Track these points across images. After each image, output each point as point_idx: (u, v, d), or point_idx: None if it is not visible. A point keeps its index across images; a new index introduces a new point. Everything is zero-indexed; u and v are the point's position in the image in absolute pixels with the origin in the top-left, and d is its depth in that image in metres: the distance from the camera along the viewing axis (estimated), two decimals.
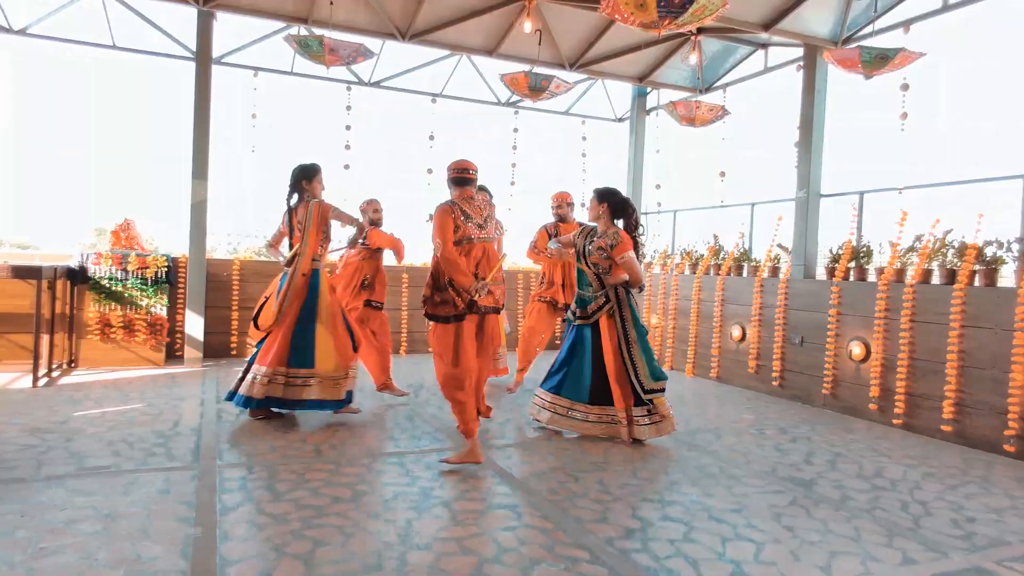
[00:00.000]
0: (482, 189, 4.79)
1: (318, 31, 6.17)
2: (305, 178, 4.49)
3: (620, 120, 9.28)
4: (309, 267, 4.42)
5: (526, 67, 6.86)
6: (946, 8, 5.44)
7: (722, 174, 7.63)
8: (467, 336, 3.62)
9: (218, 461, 3.52)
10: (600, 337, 4.34)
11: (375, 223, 5.34)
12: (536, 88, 5.64)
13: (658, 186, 8.45)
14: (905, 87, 5.51)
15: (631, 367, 4.27)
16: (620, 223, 4.44)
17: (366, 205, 5.34)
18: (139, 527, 2.61)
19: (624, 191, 9.11)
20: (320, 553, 2.44)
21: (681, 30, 4.06)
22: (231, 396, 4.34)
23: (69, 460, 3.42)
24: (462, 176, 3.78)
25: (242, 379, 4.34)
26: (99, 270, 6.29)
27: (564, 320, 4.97)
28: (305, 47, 5.00)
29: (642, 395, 4.25)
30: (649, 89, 8.71)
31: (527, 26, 5.46)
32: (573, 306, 4.56)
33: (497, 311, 3.86)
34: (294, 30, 6.69)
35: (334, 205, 4.55)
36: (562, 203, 5.75)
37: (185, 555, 2.38)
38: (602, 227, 4.37)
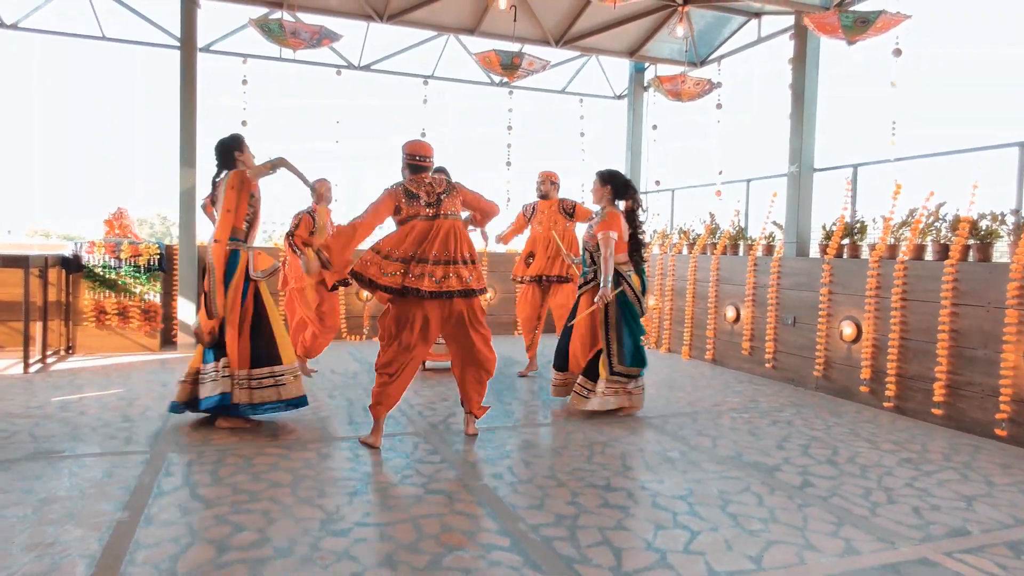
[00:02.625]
0: (439, 170, 4.72)
1: (286, 15, 6.11)
2: (237, 148, 3.98)
3: (619, 97, 9.05)
4: (225, 248, 3.84)
5: (505, 45, 6.71)
6: None
7: (720, 172, 7.40)
8: (414, 319, 3.56)
9: (173, 446, 3.55)
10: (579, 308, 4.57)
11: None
12: (508, 66, 5.50)
13: (658, 182, 8.24)
14: (897, 52, 5.21)
15: (607, 346, 4.35)
16: (622, 205, 4.47)
17: (319, 183, 5.38)
18: (67, 511, 2.65)
19: (624, 170, 8.93)
20: (236, 539, 2.44)
21: None
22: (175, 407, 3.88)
23: (28, 444, 3.49)
24: (416, 164, 3.71)
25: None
26: (93, 258, 6.42)
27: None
28: (267, 32, 4.95)
29: (610, 372, 4.36)
30: (647, 64, 8.46)
31: (501, 2, 5.32)
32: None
33: (467, 294, 3.62)
34: (277, 15, 6.66)
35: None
36: (545, 180, 5.65)
37: (102, 540, 2.40)
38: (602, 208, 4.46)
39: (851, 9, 4.61)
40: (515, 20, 6.04)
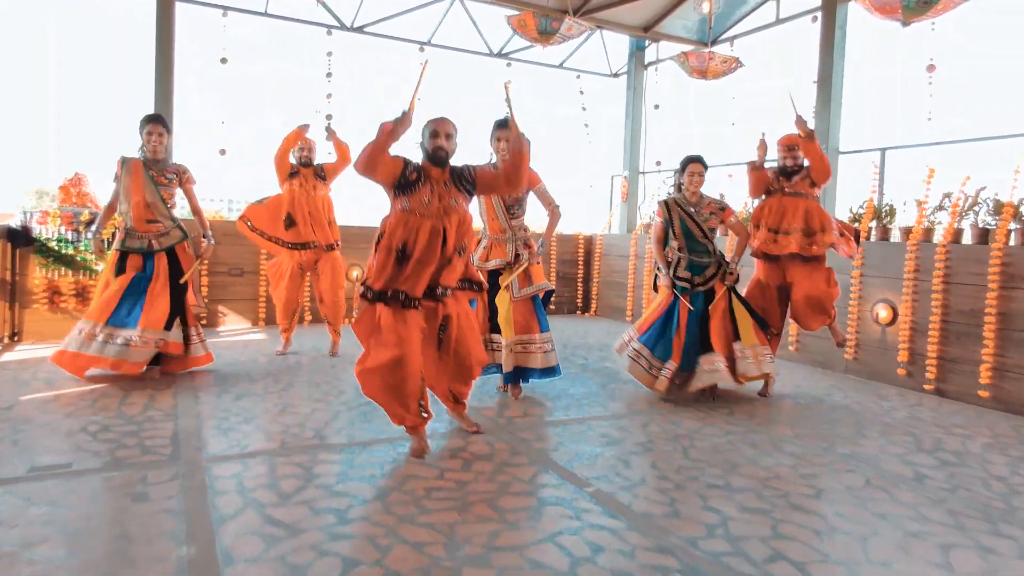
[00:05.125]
0: None
1: None
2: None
3: (615, 75, 8.73)
4: None
5: (526, 10, 6.22)
6: None
7: (730, 176, 7.21)
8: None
9: (203, 453, 2.96)
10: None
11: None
12: (546, 32, 5.04)
13: (658, 163, 7.99)
14: (931, 68, 5.10)
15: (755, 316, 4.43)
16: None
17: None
18: (116, 549, 2.07)
19: (621, 149, 8.63)
20: (355, 573, 1.95)
21: None
22: None
23: (19, 458, 2.81)
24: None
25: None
26: (45, 231, 5.51)
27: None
28: None
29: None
30: (648, 42, 8.16)
31: None
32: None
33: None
34: None
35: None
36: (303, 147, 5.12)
37: None
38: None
39: None
40: None
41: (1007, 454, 3.45)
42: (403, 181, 3.00)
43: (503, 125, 3.74)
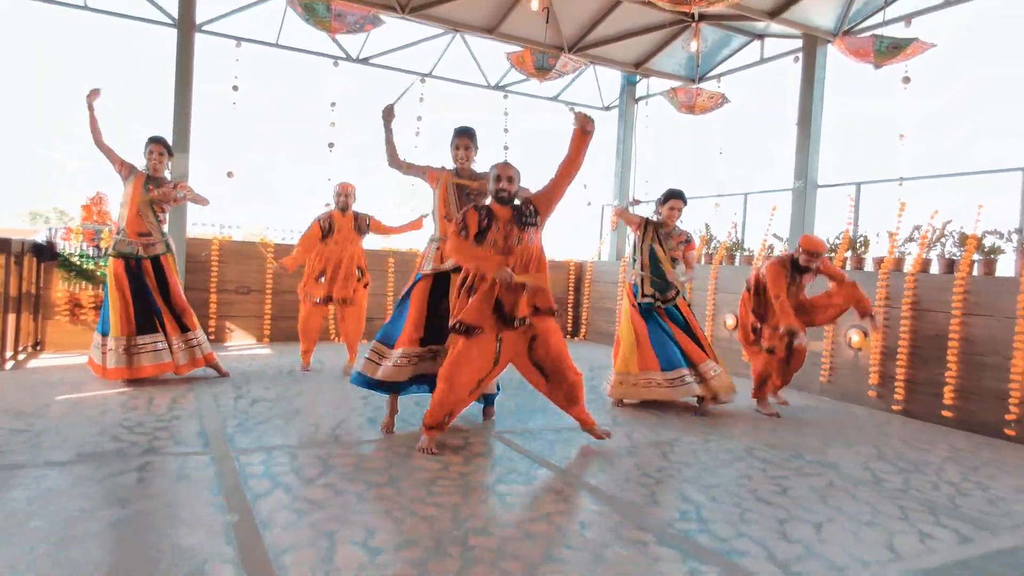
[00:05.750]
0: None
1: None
2: None
3: (607, 108, 9.22)
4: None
5: (524, 47, 6.70)
6: (947, 4, 5.55)
7: (716, 205, 7.67)
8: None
9: (230, 445, 3.27)
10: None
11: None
12: (542, 68, 5.50)
13: (636, 201, 8.43)
14: (906, 80, 5.60)
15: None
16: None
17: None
18: (169, 514, 2.37)
19: (612, 180, 9.08)
20: (377, 540, 2.26)
21: (710, 9, 3.99)
22: None
23: (64, 445, 3.11)
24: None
25: None
26: (68, 246, 5.85)
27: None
28: (311, 12, 4.72)
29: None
30: (639, 78, 8.67)
31: (534, 3, 5.31)
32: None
33: None
34: None
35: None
36: (341, 192, 5.39)
37: (231, 543, 2.17)
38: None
39: (886, 35, 4.90)
40: (547, 22, 6.04)
41: (961, 464, 3.78)
42: (480, 231, 3.38)
43: (461, 133, 3.94)
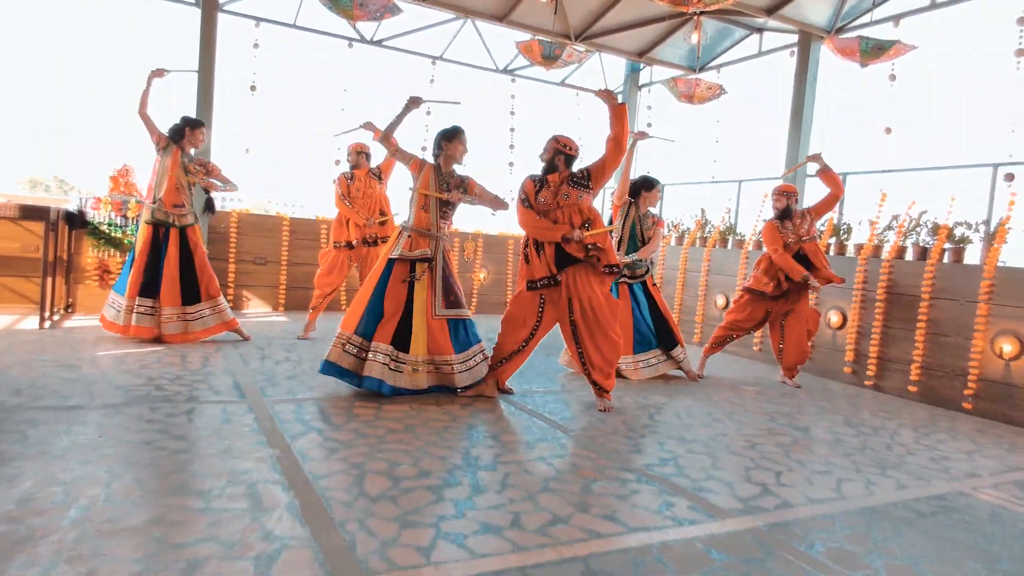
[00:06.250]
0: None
1: None
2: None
3: None
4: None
5: (533, 35, 6.99)
6: (934, 6, 5.86)
7: (715, 161, 8.01)
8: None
9: (264, 396, 3.67)
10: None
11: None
12: (550, 56, 5.81)
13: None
14: (892, 77, 5.93)
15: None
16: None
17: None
18: (219, 448, 2.78)
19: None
20: (399, 471, 2.67)
21: (708, 9, 4.30)
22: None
23: (117, 392, 3.52)
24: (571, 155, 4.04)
25: None
26: (98, 215, 6.21)
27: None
28: (335, 1, 5.02)
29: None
30: (642, 66, 8.95)
31: None
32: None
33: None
34: None
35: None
36: (353, 151, 5.82)
37: (277, 470, 2.57)
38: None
39: (871, 36, 5.21)
40: (555, 12, 6.34)
41: (917, 431, 4.20)
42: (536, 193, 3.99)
43: (463, 133, 4.16)
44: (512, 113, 8.56)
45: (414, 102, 4.11)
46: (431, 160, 4.18)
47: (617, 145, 3.93)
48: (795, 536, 2.39)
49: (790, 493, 2.84)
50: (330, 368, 3.83)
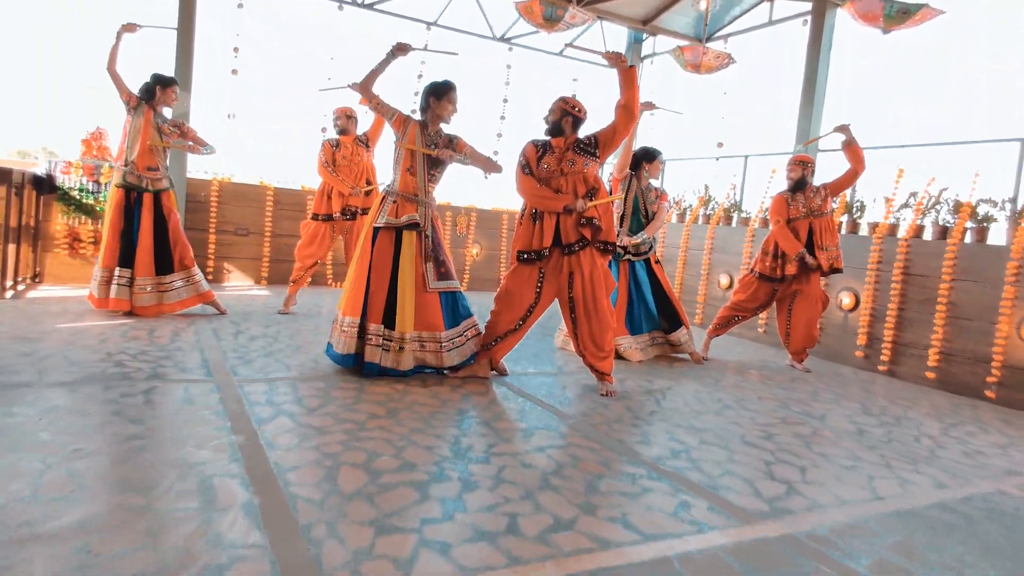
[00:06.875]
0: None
1: None
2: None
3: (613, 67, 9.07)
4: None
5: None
6: None
7: (720, 144, 7.61)
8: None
9: (233, 375, 3.33)
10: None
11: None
12: (551, 18, 5.39)
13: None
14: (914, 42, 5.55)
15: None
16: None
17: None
18: (175, 433, 2.45)
19: None
20: (378, 463, 2.35)
21: None
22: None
23: (71, 368, 3.17)
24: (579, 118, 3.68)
25: None
26: (68, 180, 5.80)
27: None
28: None
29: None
30: (645, 36, 8.52)
31: None
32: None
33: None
34: None
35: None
36: (340, 115, 5.43)
37: (237, 461, 2.24)
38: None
39: (897, 0, 4.83)
40: None
41: (942, 421, 3.92)
42: (537, 159, 3.66)
43: (454, 89, 3.75)
44: (507, 84, 8.14)
45: (400, 49, 3.70)
46: (417, 118, 3.81)
47: (627, 112, 3.56)
48: (832, 545, 2.09)
49: (818, 492, 2.54)
50: (332, 354, 3.66)
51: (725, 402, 3.82)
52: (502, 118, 8.14)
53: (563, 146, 3.64)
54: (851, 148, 4.88)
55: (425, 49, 3.93)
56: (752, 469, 2.72)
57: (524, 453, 2.62)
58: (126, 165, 4.64)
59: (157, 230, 4.72)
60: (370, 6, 7.42)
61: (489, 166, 3.83)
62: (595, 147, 3.62)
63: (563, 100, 3.68)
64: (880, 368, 5.34)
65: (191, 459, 2.23)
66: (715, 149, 7.26)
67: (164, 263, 4.73)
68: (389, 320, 3.56)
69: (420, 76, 7.22)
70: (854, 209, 5.92)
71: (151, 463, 2.17)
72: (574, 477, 2.42)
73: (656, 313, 4.99)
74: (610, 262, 4.64)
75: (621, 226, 4.88)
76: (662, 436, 3.04)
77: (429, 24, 7.76)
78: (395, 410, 3.02)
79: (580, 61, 8.82)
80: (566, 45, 4.13)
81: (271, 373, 3.47)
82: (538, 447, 2.72)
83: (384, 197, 3.74)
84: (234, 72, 6.74)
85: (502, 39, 8.27)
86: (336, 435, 2.59)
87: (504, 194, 8.47)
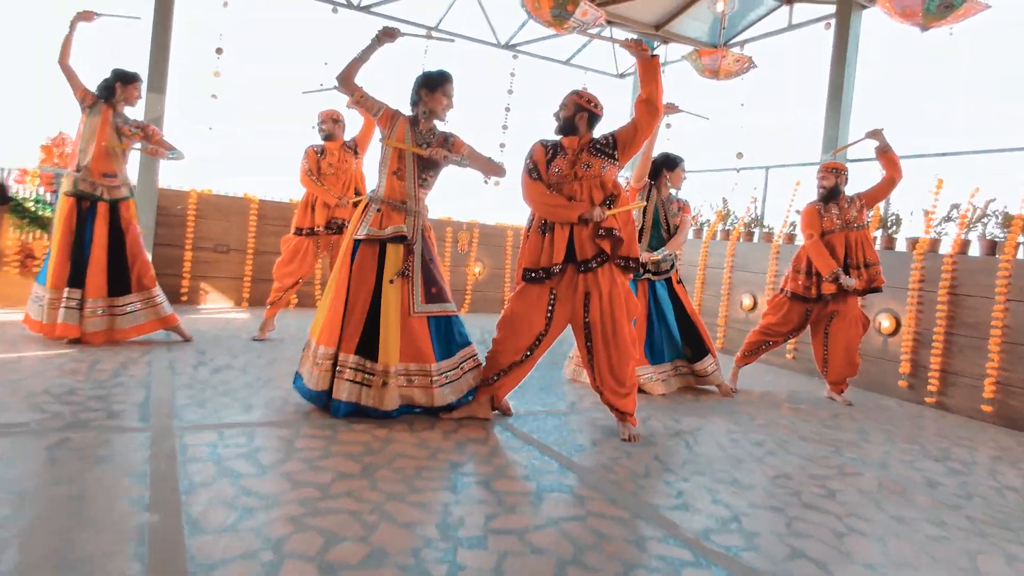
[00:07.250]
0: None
1: None
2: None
3: (622, 76, 8.62)
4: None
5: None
6: None
7: (740, 155, 7.09)
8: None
9: (175, 421, 2.74)
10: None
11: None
12: (560, 16, 4.87)
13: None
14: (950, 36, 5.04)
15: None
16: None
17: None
18: (73, 510, 1.85)
19: None
20: (337, 552, 1.76)
21: None
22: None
23: None
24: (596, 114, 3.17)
25: None
26: (23, 190, 5.25)
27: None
28: None
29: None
30: (656, 44, 8.06)
31: None
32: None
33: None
34: None
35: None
36: (327, 119, 4.87)
37: (140, 556, 1.65)
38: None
39: None
40: None
41: (1017, 467, 3.33)
42: (547, 162, 3.14)
43: (451, 80, 3.28)
44: (510, 92, 7.65)
45: (387, 34, 3.12)
46: (406, 113, 3.27)
47: (650, 106, 3.02)
48: None
49: None
50: (301, 387, 3.13)
51: (766, 446, 3.23)
52: (504, 128, 7.65)
53: (576, 147, 3.10)
54: (886, 155, 4.36)
55: (412, 35, 3.38)
56: (823, 545, 2.13)
57: (533, 529, 2.03)
58: (78, 171, 4.10)
59: (112, 245, 4.16)
60: (366, 9, 6.96)
61: (490, 168, 3.27)
62: (613, 148, 3.08)
63: (576, 94, 3.14)
64: (927, 400, 4.75)
65: (78, 553, 1.63)
66: (733, 160, 6.72)
67: (119, 283, 4.16)
68: (370, 350, 2.99)
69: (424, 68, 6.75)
70: (888, 223, 5.38)
71: (30, 561, 1.58)
72: (599, 567, 1.83)
73: (679, 339, 4.41)
74: (630, 282, 4.07)
75: (640, 241, 4.32)
76: (703, 497, 2.45)
77: (429, 29, 7.32)
78: (371, 467, 2.43)
79: (587, 70, 8.37)
80: (583, 33, 3.59)
81: (225, 417, 2.88)
82: (550, 519, 2.12)
83: (367, 205, 3.20)
84: (216, 74, 6.22)
85: (506, 46, 7.82)
86: (289, 507, 2.00)
87: (510, 207, 7.92)
